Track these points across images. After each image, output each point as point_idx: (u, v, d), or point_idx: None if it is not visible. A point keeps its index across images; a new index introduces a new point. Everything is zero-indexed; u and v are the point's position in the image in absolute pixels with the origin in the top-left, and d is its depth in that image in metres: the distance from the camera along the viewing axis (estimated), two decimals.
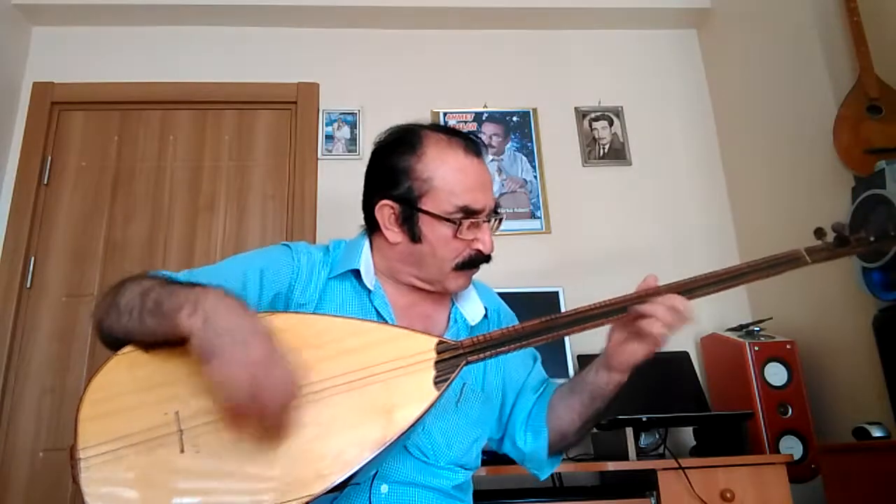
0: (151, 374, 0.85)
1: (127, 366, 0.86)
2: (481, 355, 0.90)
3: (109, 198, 2.49)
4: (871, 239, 1.07)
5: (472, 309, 1.12)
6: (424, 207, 1.02)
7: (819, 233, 1.06)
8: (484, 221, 1.04)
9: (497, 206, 1.07)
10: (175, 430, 0.81)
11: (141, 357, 0.86)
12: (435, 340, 0.91)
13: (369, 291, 1.06)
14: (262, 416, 0.78)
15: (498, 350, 0.91)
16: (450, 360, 0.89)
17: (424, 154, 1.04)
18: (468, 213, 1.02)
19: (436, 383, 0.87)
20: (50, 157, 2.51)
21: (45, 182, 2.48)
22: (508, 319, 1.20)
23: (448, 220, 1.01)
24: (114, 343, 0.89)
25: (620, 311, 0.96)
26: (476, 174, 1.04)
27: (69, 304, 2.35)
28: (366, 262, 1.07)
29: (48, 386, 2.26)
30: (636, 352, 0.98)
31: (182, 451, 0.80)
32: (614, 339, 1.01)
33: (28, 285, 2.36)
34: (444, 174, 1.02)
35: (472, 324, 1.11)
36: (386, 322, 1.04)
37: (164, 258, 2.43)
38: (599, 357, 1.05)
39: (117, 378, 0.85)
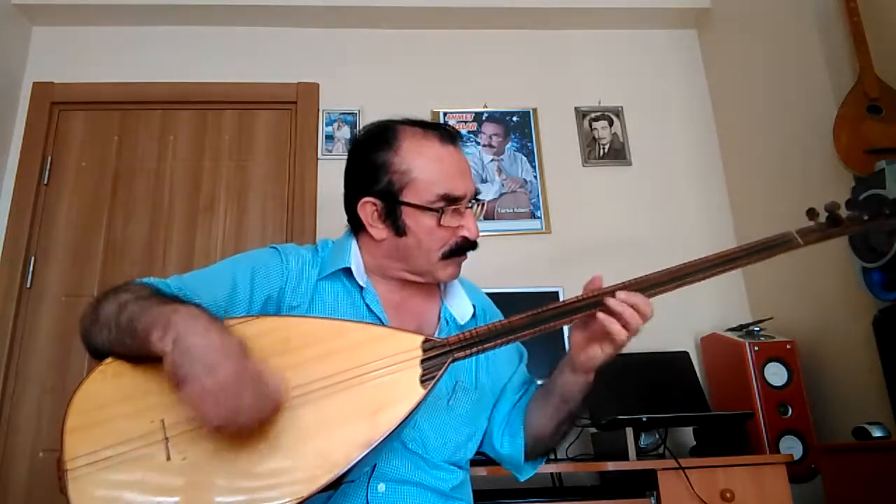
0: (136, 383, 0.84)
1: (111, 375, 0.86)
2: (468, 352, 0.89)
3: (109, 198, 2.49)
4: (865, 218, 1.04)
5: (460, 307, 1.12)
6: (406, 200, 1.02)
7: (811, 213, 1.04)
8: (467, 208, 1.05)
9: (477, 191, 1.07)
10: (161, 437, 0.81)
11: (125, 366, 0.86)
12: (420, 338, 0.90)
13: (360, 289, 1.06)
14: (237, 433, 0.78)
15: (484, 346, 0.90)
16: (436, 357, 0.88)
17: (401, 147, 1.04)
18: (449, 200, 1.02)
19: (422, 382, 0.86)
20: (50, 157, 2.51)
21: (45, 182, 2.48)
22: (491, 316, 1.20)
23: (430, 209, 1.02)
24: (99, 354, 0.89)
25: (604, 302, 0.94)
26: (453, 162, 1.05)
27: (69, 304, 2.35)
28: (355, 260, 1.07)
29: (48, 386, 2.26)
30: (597, 354, 0.97)
31: (168, 458, 0.80)
32: (575, 340, 0.99)
33: (28, 285, 2.36)
34: (423, 165, 1.03)
35: (462, 322, 1.11)
36: (379, 319, 1.04)
37: (164, 258, 2.43)
38: (565, 358, 1.03)
39: (102, 388, 0.85)
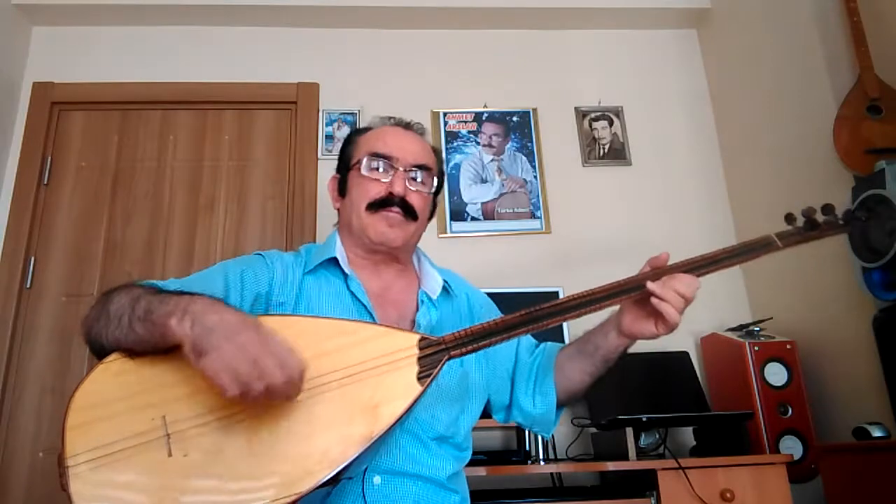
0: (137, 380, 0.85)
1: (113, 373, 0.86)
2: (463, 350, 0.93)
3: (109, 198, 2.49)
4: (840, 222, 1.09)
5: (431, 285, 1.19)
6: (350, 165, 1.19)
7: (789, 218, 1.09)
8: (399, 169, 1.14)
9: (424, 167, 1.16)
10: (162, 434, 0.81)
11: (127, 364, 0.87)
12: (417, 337, 0.93)
13: (345, 277, 1.12)
14: (268, 393, 0.78)
15: (479, 344, 0.93)
16: (432, 355, 0.91)
17: (366, 132, 1.22)
18: (375, 155, 1.15)
19: (419, 379, 0.89)
20: (50, 157, 2.51)
21: (45, 182, 2.47)
22: (478, 300, 1.27)
23: (358, 162, 1.16)
24: (101, 351, 0.90)
25: (597, 302, 1.00)
26: (394, 134, 1.19)
27: (69, 304, 2.35)
28: (340, 251, 1.15)
29: (48, 386, 2.26)
30: (650, 330, 1.03)
31: (170, 455, 0.80)
32: (627, 309, 1.06)
33: (28, 285, 2.36)
34: (368, 137, 1.20)
35: (434, 297, 1.17)
36: (363, 306, 1.09)
37: (164, 258, 2.42)
38: (609, 320, 1.10)
39: (103, 386, 0.85)
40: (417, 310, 1.14)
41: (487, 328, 0.94)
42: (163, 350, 0.84)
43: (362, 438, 0.83)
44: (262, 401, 0.79)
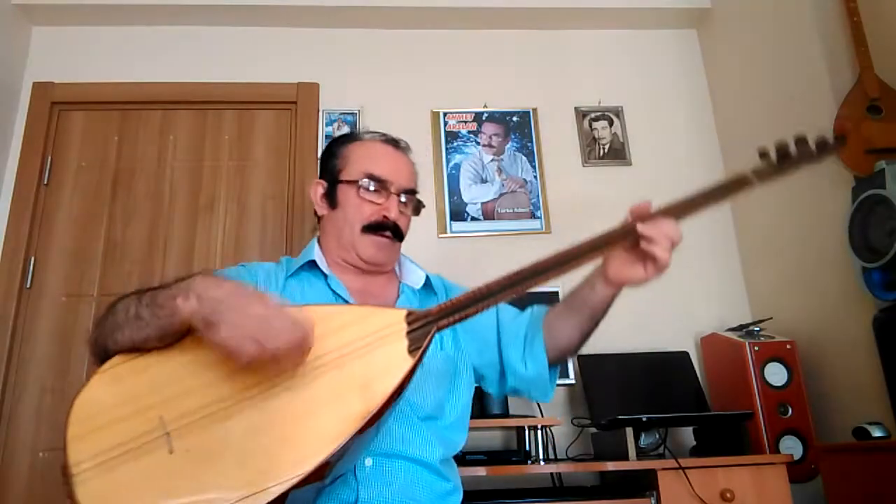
0: (132, 386, 0.86)
1: (108, 381, 0.88)
2: (450, 319, 0.92)
3: (109, 198, 2.49)
4: (814, 150, 1.08)
5: (413, 278, 1.26)
6: (341, 178, 1.22)
7: (763, 154, 1.08)
8: (393, 194, 1.20)
9: (411, 190, 1.23)
10: (162, 433, 0.82)
11: (121, 370, 0.88)
12: (404, 312, 0.93)
13: (325, 278, 1.18)
14: (279, 360, 0.81)
15: (467, 311, 0.92)
16: (420, 328, 0.91)
17: (353, 142, 1.26)
18: (373, 178, 1.19)
19: (410, 352, 0.89)
20: (50, 157, 2.50)
21: (45, 182, 2.47)
22: (456, 293, 1.27)
23: (354, 181, 1.19)
24: (106, 357, 0.91)
25: (575, 259, 0.99)
26: (387, 155, 1.23)
27: (69, 304, 2.35)
28: (318, 254, 1.22)
29: (48, 386, 2.26)
30: (639, 274, 1.03)
31: (171, 452, 0.81)
32: (617, 255, 1.05)
33: (28, 285, 2.36)
34: (360, 151, 1.24)
35: (417, 287, 1.24)
36: (346, 301, 1.14)
37: (164, 258, 2.42)
38: (594, 272, 1.11)
39: (100, 395, 0.87)
40: (398, 299, 1.21)
41: (473, 296, 0.93)
42: (173, 335, 0.85)
43: (359, 415, 0.83)
44: (274, 366, 0.82)
